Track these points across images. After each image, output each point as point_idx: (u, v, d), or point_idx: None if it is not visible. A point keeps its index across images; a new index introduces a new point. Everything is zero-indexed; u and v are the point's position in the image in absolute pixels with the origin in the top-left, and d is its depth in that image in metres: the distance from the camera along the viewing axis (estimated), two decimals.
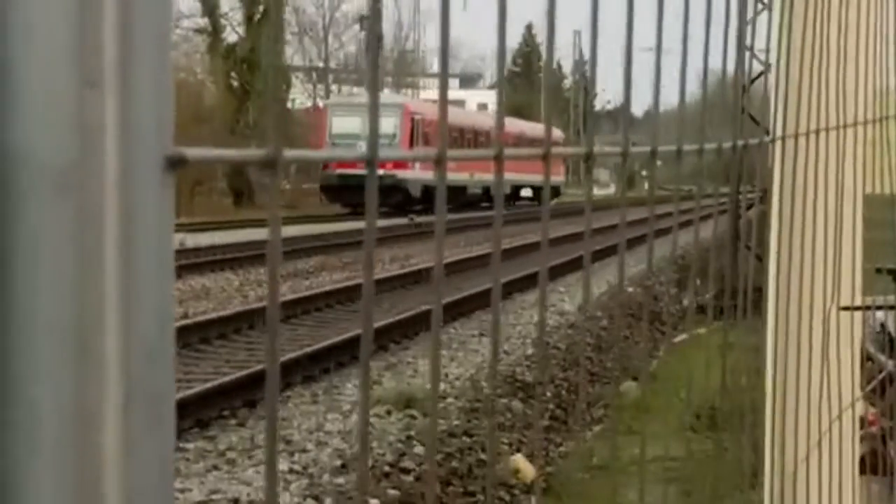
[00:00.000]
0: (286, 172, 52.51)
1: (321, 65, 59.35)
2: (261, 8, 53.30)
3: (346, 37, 60.47)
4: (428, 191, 37.60)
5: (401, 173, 37.56)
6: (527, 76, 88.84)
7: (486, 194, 43.30)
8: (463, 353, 14.01)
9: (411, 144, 39.13)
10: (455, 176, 39.33)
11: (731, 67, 2.15)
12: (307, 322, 15.82)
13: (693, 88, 1.83)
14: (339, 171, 37.96)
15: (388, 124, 37.28)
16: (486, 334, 15.36)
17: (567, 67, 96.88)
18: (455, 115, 42.33)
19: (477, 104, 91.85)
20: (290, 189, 50.08)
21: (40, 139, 0.61)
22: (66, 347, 0.61)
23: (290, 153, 0.72)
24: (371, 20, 0.92)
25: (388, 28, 62.11)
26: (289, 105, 58.64)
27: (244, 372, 11.67)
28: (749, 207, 3.59)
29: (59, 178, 0.61)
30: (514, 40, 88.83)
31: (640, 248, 18.84)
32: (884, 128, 3.29)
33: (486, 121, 45.04)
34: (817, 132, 2.61)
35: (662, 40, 1.58)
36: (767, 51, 2.83)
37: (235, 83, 52.29)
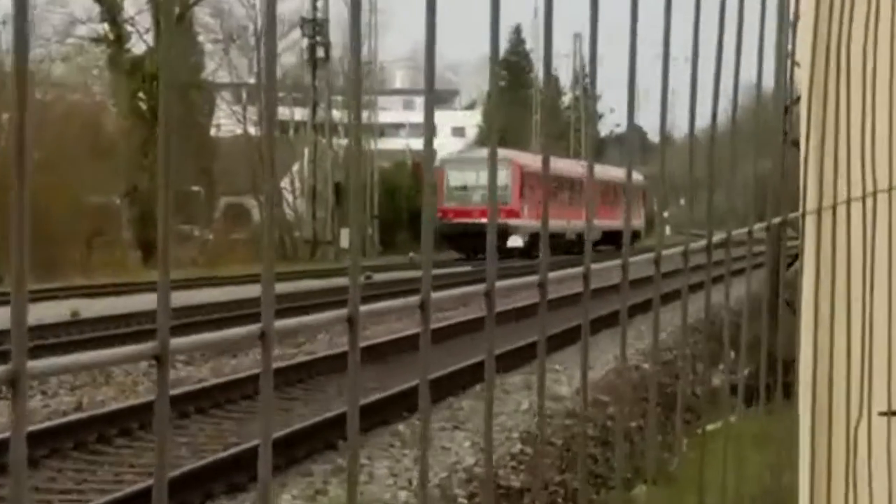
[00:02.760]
0: (208, 220, 52.12)
1: (252, 81, 58.30)
2: (176, 10, 53.19)
3: (284, 45, 59.61)
4: (532, 237, 53.78)
5: (511, 222, 53.44)
6: (514, 91, 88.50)
7: (580, 238, 50.68)
8: (430, 452, 14.01)
9: (522, 194, 54.84)
10: (554, 223, 51.86)
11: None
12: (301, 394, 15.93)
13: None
14: (458, 220, 54.35)
15: (500, 176, 50.45)
16: (461, 427, 15.37)
17: (564, 79, 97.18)
18: (552, 165, 56.23)
19: (451, 128, 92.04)
20: (213, 240, 49.30)
21: None
22: None
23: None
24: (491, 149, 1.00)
25: (336, 35, 61.76)
26: (213, 132, 57.94)
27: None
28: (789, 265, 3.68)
29: None
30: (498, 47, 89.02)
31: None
32: None
33: (577, 168, 58.05)
34: (833, 207, 2.70)
35: (719, 102, 1.68)
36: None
37: (143, 105, 50.56)
